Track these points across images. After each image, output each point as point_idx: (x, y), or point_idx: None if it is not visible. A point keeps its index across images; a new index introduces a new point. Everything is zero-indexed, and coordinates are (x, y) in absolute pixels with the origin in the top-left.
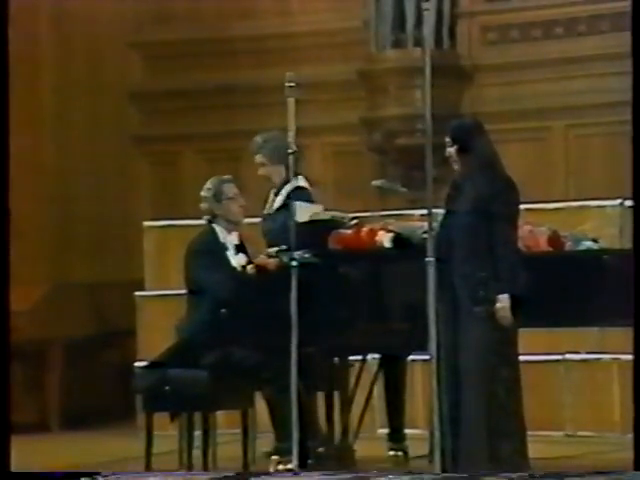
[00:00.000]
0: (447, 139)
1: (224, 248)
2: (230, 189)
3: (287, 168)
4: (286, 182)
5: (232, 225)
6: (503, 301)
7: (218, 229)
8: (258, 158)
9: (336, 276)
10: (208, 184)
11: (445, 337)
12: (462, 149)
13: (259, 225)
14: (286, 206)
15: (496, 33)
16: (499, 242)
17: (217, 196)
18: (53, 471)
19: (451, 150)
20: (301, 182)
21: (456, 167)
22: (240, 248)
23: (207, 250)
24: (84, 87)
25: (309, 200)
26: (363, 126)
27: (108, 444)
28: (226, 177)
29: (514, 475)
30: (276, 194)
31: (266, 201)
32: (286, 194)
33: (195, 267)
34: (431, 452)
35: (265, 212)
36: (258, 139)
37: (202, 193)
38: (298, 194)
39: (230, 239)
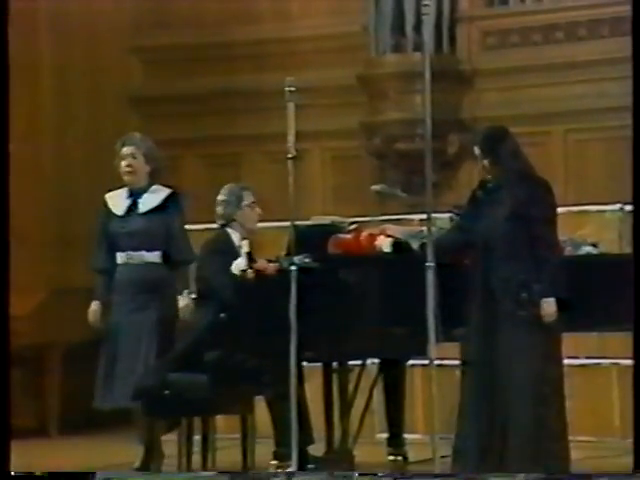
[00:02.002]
0: (477, 151)
1: (237, 252)
2: (249, 197)
3: (152, 172)
4: (148, 186)
5: (246, 232)
6: (550, 304)
7: (232, 233)
8: (130, 149)
9: (335, 281)
10: (227, 189)
11: (486, 341)
12: (494, 161)
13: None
14: (162, 209)
15: (496, 37)
16: (542, 245)
17: (238, 202)
18: (47, 471)
19: (484, 162)
20: (168, 189)
21: (488, 177)
22: (250, 257)
23: (222, 252)
24: (84, 91)
25: (181, 206)
26: (363, 131)
27: (107, 448)
28: (245, 184)
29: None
30: (136, 195)
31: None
32: (164, 198)
33: (208, 268)
34: (456, 453)
35: (121, 212)
36: (136, 134)
37: (220, 197)
38: (175, 199)
39: (243, 244)
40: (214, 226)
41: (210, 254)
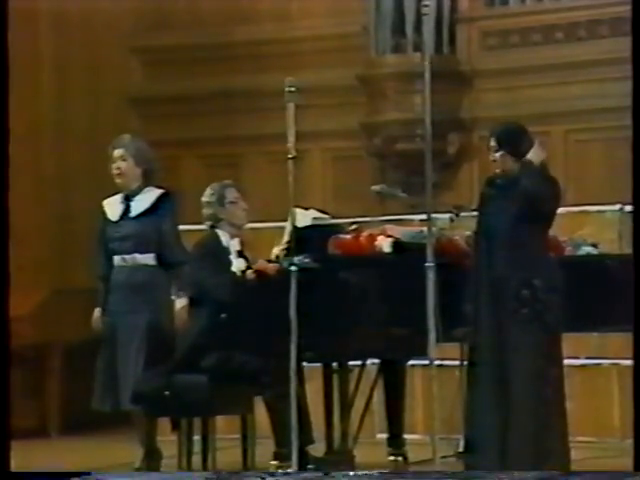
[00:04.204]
0: (492, 143)
1: (227, 252)
2: (232, 193)
3: (144, 174)
4: (141, 188)
5: (235, 229)
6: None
7: (221, 233)
8: (119, 152)
9: (335, 281)
10: (210, 189)
11: (490, 339)
12: (510, 152)
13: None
14: (153, 211)
15: (496, 38)
16: (544, 243)
17: (220, 200)
18: (44, 471)
19: (496, 155)
20: (159, 190)
21: (497, 171)
22: (240, 254)
23: (211, 254)
24: (84, 92)
25: (173, 206)
26: (363, 131)
27: (107, 449)
28: (227, 182)
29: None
30: (130, 198)
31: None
32: (154, 199)
33: (199, 271)
34: (464, 452)
35: (116, 218)
36: (126, 136)
37: (204, 199)
38: (166, 200)
39: (232, 244)
40: None
41: (200, 256)
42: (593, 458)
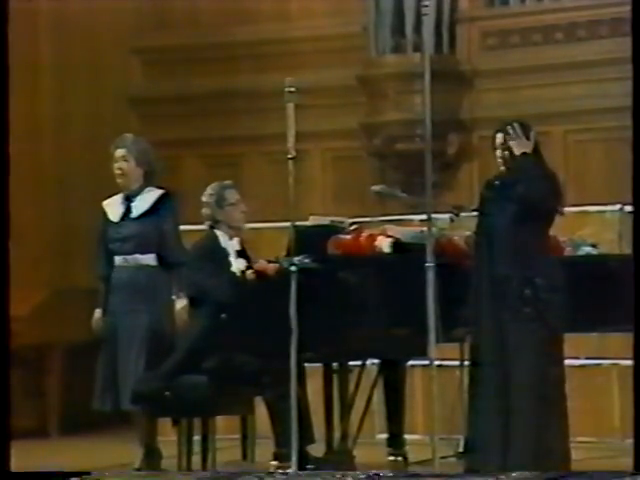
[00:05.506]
0: (509, 132)
1: (226, 253)
2: (232, 195)
3: (146, 175)
4: (142, 188)
5: (234, 231)
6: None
7: (220, 234)
8: (121, 152)
9: (335, 281)
10: (209, 190)
11: (493, 339)
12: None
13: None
14: (154, 211)
15: (496, 38)
16: (546, 242)
17: (219, 202)
18: (44, 471)
19: (498, 135)
20: (160, 190)
21: (500, 160)
22: (241, 254)
23: (209, 255)
24: (84, 92)
25: (174, 207)
26: (363, 131)
27: (107, 449)
28: (227, 182)
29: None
30: (130, 199)
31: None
32: (155, 200)
33: (197, 272)
34: (465, 452)
35: (117, 219)
36: (129, 136)
37: (203, 199)
38: (167, 201)
39: (231, 244)
40: None
41: (198, 257)
42: (593, 458)
